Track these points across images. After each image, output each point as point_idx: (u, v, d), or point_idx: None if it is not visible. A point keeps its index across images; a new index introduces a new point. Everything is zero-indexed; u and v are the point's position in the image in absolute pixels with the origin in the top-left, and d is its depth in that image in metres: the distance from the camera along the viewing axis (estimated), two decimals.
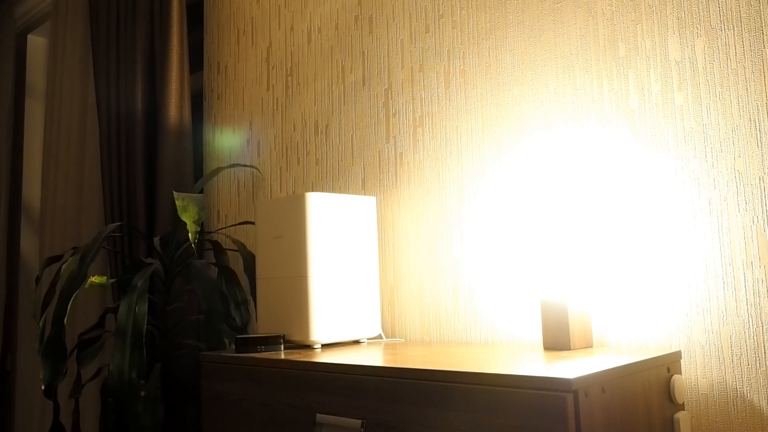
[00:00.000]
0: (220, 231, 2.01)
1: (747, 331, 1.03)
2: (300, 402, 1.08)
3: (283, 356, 1.16)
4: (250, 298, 1.81)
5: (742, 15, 1.07)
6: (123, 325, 1.44)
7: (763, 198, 1.03)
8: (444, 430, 0.89)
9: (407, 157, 1.52)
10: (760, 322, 1.02)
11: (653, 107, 1.15)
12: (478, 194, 1.38)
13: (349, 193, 1.64)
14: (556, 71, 1.28)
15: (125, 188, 2.09)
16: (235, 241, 1.72)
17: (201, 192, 2.07)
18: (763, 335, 1.02)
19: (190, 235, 1.50)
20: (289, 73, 1.85)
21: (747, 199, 1.04)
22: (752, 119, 1.05)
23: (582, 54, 1.25)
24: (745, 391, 1.03)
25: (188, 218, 1.52)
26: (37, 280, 1.70)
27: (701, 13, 1.11)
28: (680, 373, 1.05)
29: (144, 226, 2.01)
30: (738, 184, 1.05)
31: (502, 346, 1.23)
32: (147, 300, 1.53)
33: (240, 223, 1.79)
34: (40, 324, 1.56)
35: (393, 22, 1.59)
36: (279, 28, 1.90)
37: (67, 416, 2.44)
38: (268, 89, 1.91)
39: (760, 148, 1.04)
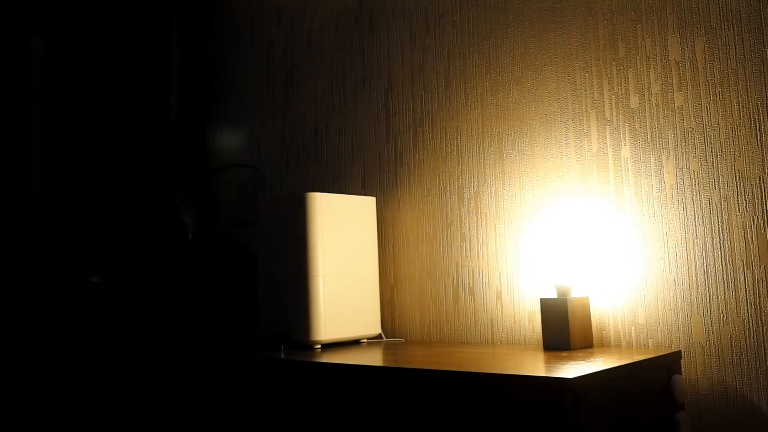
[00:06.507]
0: (220, 231, 2.00)
1: (747, 331, 1.03)
2: (300, 402, 1.08)
3: (283, 356, 1.16)
4: (250, 298, 1.81)
5: (742, 15, 1.07)
6: (123, 325, 1.44)
7: (763, 198, 1.03)
8: (444, 429, 0.89)
9: (407, 157, 1.52)
10: (760, 322, 1.02)
11: (653, 107, 1.15)
12: (478, 194, 1.38)
13: (349, 193, 1.64)
14: (556, 71, 1.28)
15: (125, 188, 2.09)
16: (235, 241, 1.72)
17: (201, 192, 2.07)
18: (763, 335, 1.02)
19: (189, 235, 1.50)
20: (289, 73, 1.85)
21: (747, 199, 1.04)
22: (752, 119, 1.05)
23: (582, 54, 1.25)
24: (745, 391, 1.03)
25: (188, 218, 1.52)
26: (38, 280, 1.70)
27: (701, 13, 1.11)
28: (680, 373, 1.05)
29: (144, 227, 2.00)
30: (738, 184, 1.05)
31: (502, 346, 1.23)
32: (146, 300, 1.53)
33: (240, 223, 1.79)
34: (41, 324, 1.56)
35: (393, 22, 1.59)
36: (279, 28, 1.90)
37: (66, 416, 2.43)
38: (268, 89, 1.91)
39: (760, 148, 1.04)
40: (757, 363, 1.02)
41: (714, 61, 1.09)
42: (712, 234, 1.08)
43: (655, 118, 1.15)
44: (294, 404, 1.09)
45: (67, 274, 1.57)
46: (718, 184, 1.07)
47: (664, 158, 1.13)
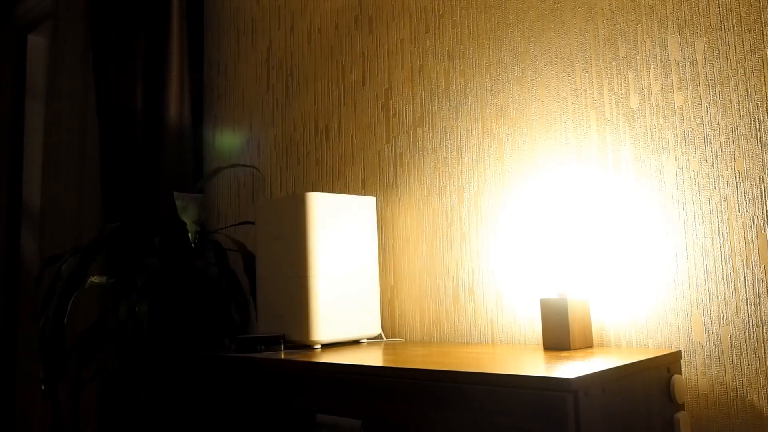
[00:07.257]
0: (220, 231, 2.01)
1: (747, 331, 1.03)
2: (300, 402, 1.08)
3: (283, 356, 1.16)
4: (250, 298, 1.81)
5: (742, 15, 1.07)
6: (123, 325, 1.44)
7: (763, 198, 1.03)
8: (444, 430, 0.89)
9: (407, 157, 1.52)
10: (760, 322, 1.02)
11: (653, 107, 1.15)
12: (478, 194, 1.38)
13: (349, 193, 1.64)
14: (556, 71, 1.28)
15: (125, 188, 2.09)
16: (235, 241, 1.72)
17: (201, 192, 2.07)
18: (763, 335, 1.02)
19: (189, 235, 1.50)
20: (289, 73, 1.85)
21: (747, 199, 1.04)
22: (752, 119, 1.05)
23: (582, 54, 1.25)
24: (745, 391, 1.03)
25: (188, 218, 1.52)
26: (37, 280, 1.70)
27: (701, 13, 1.11)
28: (680, 373, 1.05)
29: (144, 227, 2.00)
30: (738, 184, 1.05)
31: (502, 346, 1.23)
32: (147, 300, 1.53)
33: (240, 223, 1.79)
34: (40, 324, 1.56)
35: (393, 22, 1.59)
36: (279, 28, 1.90)
37: (67, 417, 2.44)
38: (268, 89, 1.91)
39: (760, 148, 1.04)
40: (757, 363, 1.02)
41: (714, 61, 1.09)
42: (712, 234, 1.08)
43: (655, 118, 1.15)
44: (294, 404, 1.09)
45: (67, 274, 1.57)
46: (718, 184, 1.07)
47: (664, 158, 1.13)
